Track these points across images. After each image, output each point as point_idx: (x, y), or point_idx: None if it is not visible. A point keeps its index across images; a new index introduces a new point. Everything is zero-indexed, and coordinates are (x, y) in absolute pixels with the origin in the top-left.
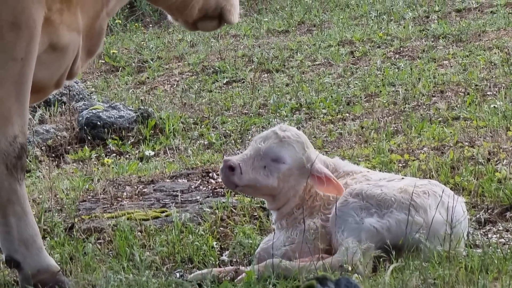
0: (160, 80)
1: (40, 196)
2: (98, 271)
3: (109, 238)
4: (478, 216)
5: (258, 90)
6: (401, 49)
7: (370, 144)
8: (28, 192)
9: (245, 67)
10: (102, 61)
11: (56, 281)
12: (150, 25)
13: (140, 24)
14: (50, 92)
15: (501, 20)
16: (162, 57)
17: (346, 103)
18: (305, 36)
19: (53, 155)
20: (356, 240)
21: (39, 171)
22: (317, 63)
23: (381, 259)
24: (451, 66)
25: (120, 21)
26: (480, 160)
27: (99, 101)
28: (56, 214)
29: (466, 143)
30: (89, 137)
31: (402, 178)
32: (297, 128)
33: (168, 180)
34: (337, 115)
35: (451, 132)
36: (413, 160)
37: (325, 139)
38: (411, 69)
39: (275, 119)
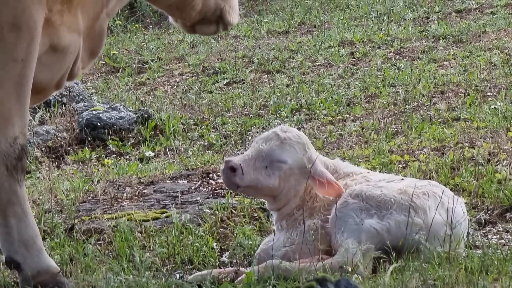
0: (160, 81)
1: (40, 197)
2: (98, 272)
3: (109, 239)
4: (478, 217)
5: (259, 91)
6: (401, 50)
7: (370, 145)
8: (28, 193)
9: (245, 68)
10: (103, 62)
11: (56, 282)
12: (151, 26)
13: (140, 25)
14: (50, 93)
15: (501, 21)
16: (162, 58)
17: (346, 104)
18: (305, 37)
19: (53, 156)
20: (356, 241)
21: (39, 172)
22: (317, 64)
23: (381, 260)
24: (451, 67)
25: (120, 22)
26: (480, 161)
27: (99, 102)
28: (56, 215)
29: (466, 144)
30: (89, 138)
31: (402, 179)
32: (297, 129)
33: (168, 181)
34: (337, 116)
35: (451, 133)
36: (413, 161)
37: (325, 140)
38: (411, 70)
39: (276, 120)
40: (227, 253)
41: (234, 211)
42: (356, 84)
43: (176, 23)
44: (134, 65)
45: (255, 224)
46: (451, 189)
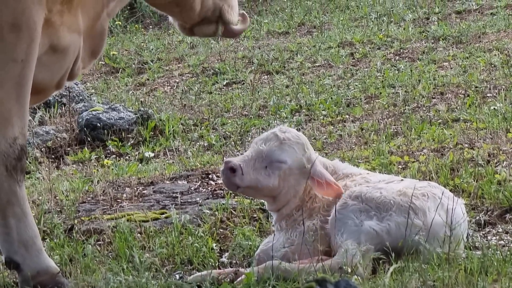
0: (160, 82)
1: (40, 197)
2: (97, 273)
3: (109, 240)
4: (477, 218)
5: (258, 92)
6: (401, 50)
7: (370, 146)
8: (27, 193)
9: (245, 69)
10: (102, 63)
11: (56, 282)
12: (150, 27)
13: (140, 26)
14: (50, 93)
15: (501, 22)
16: (162, 58)
17: (346, 104)
18: (305, 38)
19: (53, 156)
20: (356, 242)
21: (39, 173)
22: (317, 64)
23: (380, 261)
24: (451, 68)
25: (120, 23)
26: (479, 162)
27: (99, 102)
28: (56, 215)
29: (466, 145)
30: (89, 139)
31: (402, 180)
32: (297, 129)
33: (167, 182)
34: (337, 117)
35: (451, 134)
36: (413, 162)
37: (325, 140)
38: (411, 70)
39: (275, 121)
40: (226, 254)
41: (233, 212)
42: (356, 85)
43: (176, 26)
44: (133, 65)
45: (255, 224)
46: (450, 190)
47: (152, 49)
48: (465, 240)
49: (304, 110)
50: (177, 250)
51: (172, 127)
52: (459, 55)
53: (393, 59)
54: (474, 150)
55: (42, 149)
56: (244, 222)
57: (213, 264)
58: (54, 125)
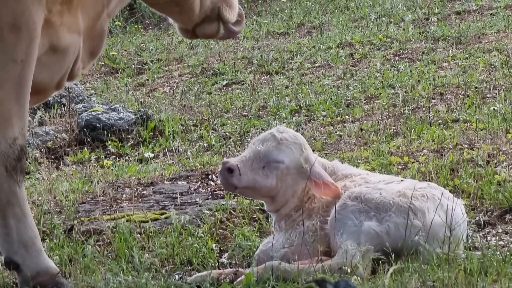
0: (160, 82)
1: (40, 198)
2: (97, 273)
3: (109, 240)
4: (477, 218)
5: (258, 92)
6: (401, 51)
7: (370, 146)
8: (27, 194)
9: (244, 69)
10: (102, 63)
11: (56, 283)
12: (150, 27)
13: (139, 26)
14: (50, 94)
15: (500, 22)
16: (161, 59)
17: (346, 105)
18: (304, 38)
19: (53, 157)
20: (355, 243)
21: (39, 173)
22: (316, 65)
23: (380, 262)
24: (451, 68)
25: (119, 23)
26: (479, 163)
27: (98, 103)
28: (56, 216)
29: (466, 146)
30: (88, 139)
31: (402, 180)
32: (296, 130)
33: (167, 182)
34: (336, 117)
35: (450, 135)
36: (413, 162)
37: (324, 141)
38: (410, 71)
39: (275, 121)
40: (226, 254)
41: (233, 212)
42: (356, 86)
43: (177, 30)
44: (133, 66)
45: (255, 225)
46: (450, 191)
47: (151, 50)
48: (465, 240)
49: (303, 111)
50: (176, 251)
51: (172, 128)
52: (459, 56)
53: (392, 60)
54: (473, 150)
55: (42, 150)
56: (243, 223)
57: (213, 264)
58: (54, 125)
